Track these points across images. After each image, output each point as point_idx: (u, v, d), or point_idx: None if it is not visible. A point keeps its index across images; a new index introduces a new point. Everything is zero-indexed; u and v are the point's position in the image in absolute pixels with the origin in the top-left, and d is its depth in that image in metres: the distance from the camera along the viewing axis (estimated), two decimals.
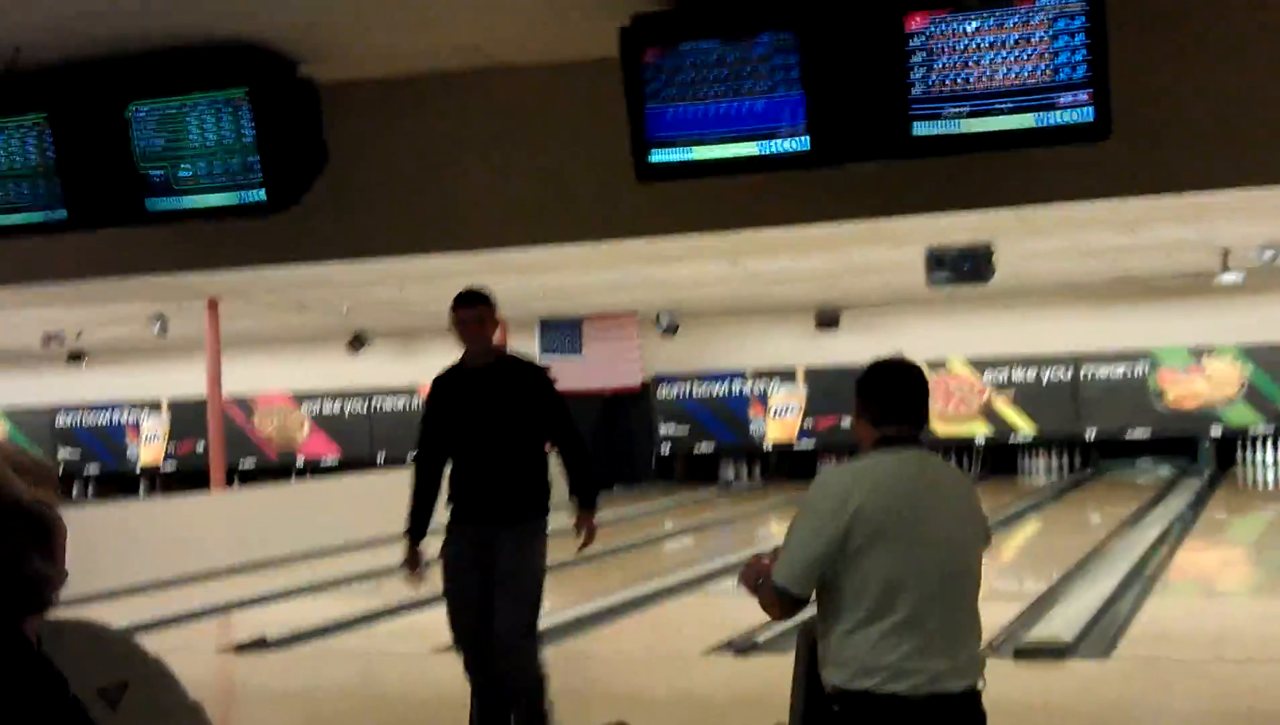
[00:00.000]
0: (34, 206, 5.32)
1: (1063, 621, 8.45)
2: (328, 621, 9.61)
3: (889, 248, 12.19)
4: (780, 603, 3.43)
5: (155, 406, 23.14)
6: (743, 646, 8.01)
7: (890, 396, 3.48)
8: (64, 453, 23.35)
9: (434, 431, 5.61)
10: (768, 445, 20.94)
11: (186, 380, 20.33)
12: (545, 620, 9.18)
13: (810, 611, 3.51)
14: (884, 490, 3.35)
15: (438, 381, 5.62)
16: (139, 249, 6.00)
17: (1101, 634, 8.25)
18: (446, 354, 5.71)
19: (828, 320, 19.70)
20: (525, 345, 19.96)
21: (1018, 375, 19.94)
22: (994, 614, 7.34)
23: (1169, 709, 6.77)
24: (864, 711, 3.30)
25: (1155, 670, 7.42)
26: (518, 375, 5.54)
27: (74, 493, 22.87)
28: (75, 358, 21.35)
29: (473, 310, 5.44)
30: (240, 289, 14.28)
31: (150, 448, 23.32)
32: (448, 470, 5.63)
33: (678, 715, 6.94)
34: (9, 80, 5.12)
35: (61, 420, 23.61)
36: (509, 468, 5.48)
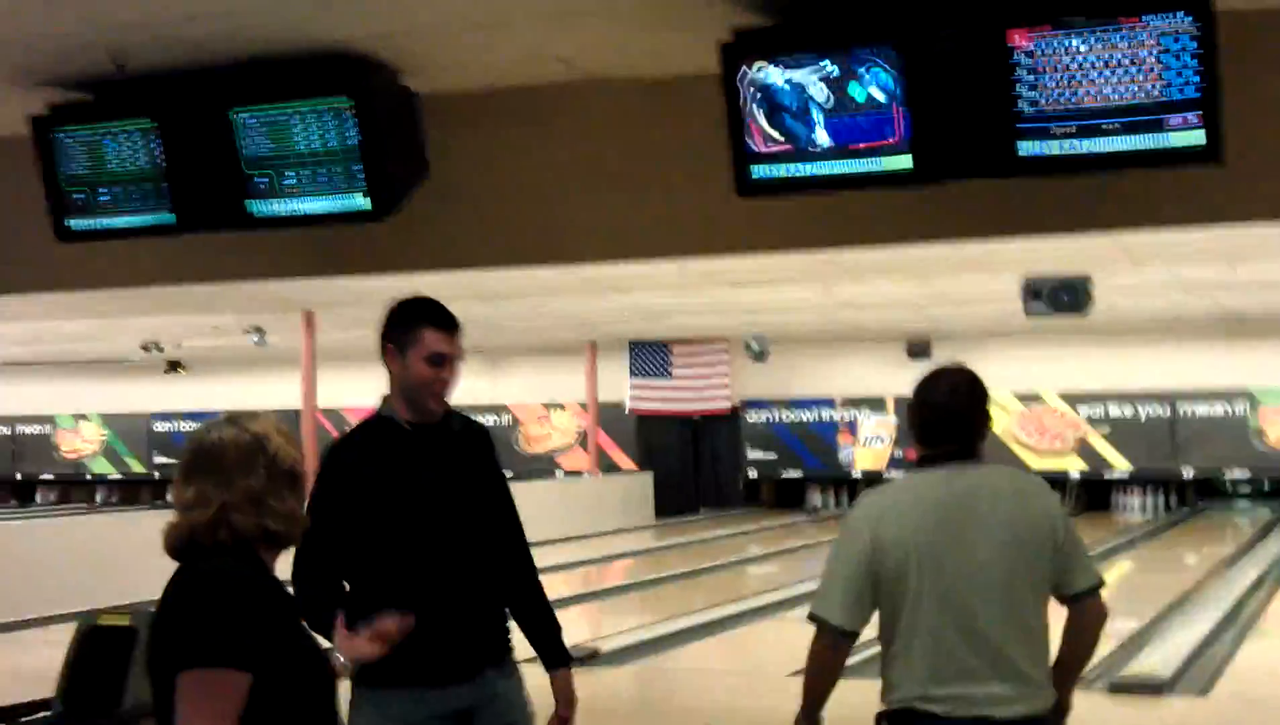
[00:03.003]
0: (143, 210, 5.43)
1: (1160, 658, 8.30)
2: None
3: (982, 277, 12.04)
4: (820, 639, 3.26)
5: None
6: None
7: (928, 415, 3.30)
8: (159, 458, 23.72)
9: (343, 526, 3.47)
10: (856, 473, 20.79)
11: (283, 392, 20.56)
12: (626, 637, 9.20)
13: None
14: (905, 518, 3.21)
15: (348, 448, 3.62)
16: (241, 256, 6.09)
17: (1199, 672, 8.10)
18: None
19: (919, 350, 19.51)
20: (616, 367, 20.00)
21: (1114, 411, 19.62)
22: None
23: None
24: None
25: (1254, 710, 7.25)
26: (476, 442, 3.68)
27: (169, 498, 23.20)
28: (173, 366, 21.76)
29: (455, 341, 3.58)
30: (338, 301, 14.43)
31: None
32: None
33: None
34: (118, 85, 5.22)
35: (159, 426, 24.01)
36: (493, 583, 3.59)
